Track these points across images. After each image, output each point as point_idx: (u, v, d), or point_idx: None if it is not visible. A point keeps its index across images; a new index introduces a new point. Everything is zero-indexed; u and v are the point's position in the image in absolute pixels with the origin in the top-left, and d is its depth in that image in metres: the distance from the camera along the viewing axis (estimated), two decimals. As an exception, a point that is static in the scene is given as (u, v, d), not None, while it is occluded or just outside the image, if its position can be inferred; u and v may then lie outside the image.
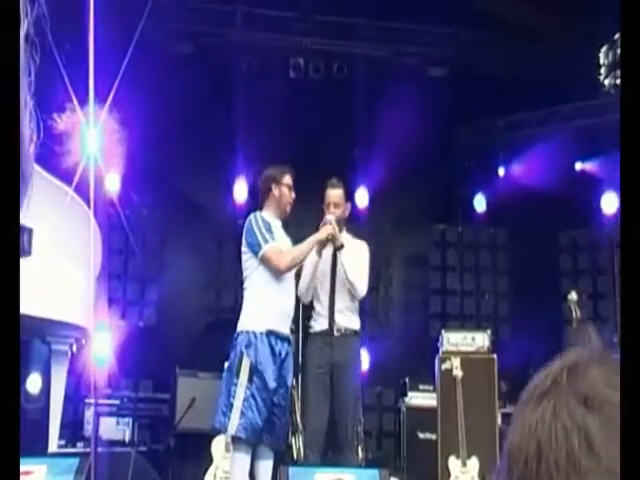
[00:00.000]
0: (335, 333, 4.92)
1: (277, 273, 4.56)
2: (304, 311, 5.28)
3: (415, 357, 7.49)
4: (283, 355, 4.54)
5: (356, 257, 5.04)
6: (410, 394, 7.00)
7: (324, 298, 4.99)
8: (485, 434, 6.16)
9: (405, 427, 6.90)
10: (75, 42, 5.47)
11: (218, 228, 8.58)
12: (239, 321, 4.57)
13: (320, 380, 4.92)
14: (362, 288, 5.00)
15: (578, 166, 9.07)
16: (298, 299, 4.93)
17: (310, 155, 8.01)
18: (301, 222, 5.07)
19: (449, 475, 5.91)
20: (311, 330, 5.04)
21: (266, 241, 4.55)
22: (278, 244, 4.59)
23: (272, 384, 4.42)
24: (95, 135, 6.05)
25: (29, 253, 3.69)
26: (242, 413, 4.35)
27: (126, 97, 6.06)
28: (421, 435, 6.79)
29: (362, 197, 8.66)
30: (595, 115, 8.77)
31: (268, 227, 4.61)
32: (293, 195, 4.81)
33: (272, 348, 4.48)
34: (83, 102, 5.71)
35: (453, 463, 5.92)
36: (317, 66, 8.65)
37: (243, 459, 4.39)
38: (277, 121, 8.06)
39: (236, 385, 4.40)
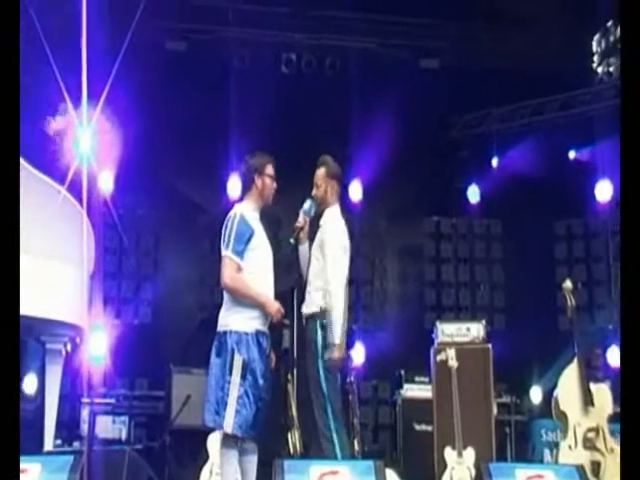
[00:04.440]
0: (303, 322, 4.78)
1: (221, 282, 4.55)
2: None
3: (410, 349, 7.51)
4: (267, 351, 4.55)
5: (318, 236, 4.85)
6: (406, 386, 7.00)
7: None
8: (481, 424, 6.18)
9: (401, 419, 6.90)
10: (68, 42, 5.48)
11: (212, 225, 8.57)
12: (221, 320, 4.51)
13: (300, 372, 4.84)
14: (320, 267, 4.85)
15: (572, 155, 9.09)
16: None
17: (303, 149, 8.00)
18: (293, 216, 5.04)
19: (445, 466, 5.92)
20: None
21: (235, 251, 4.51)
22: (239, 262, 4.56)
23: (263, 381, 4.43)
24: (88, 135, 6.08)
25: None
26: (237, 411, 4.36)
27: (119, 96, 6.08)
28: (417, 427, 6.80)
29: (356, 190, 8.68)
30: (588, 103, 8.78)
31: (245, 232, 4.55)
32: (275, 185, 4.68)
33: (261, 345, 4.50)
34: (76, 102, 5.73)
35: (449, 454, 5.94)
36: (309, 60, 8.67)
37: (233, 456, 4.40)
38: (270, 116, 8.07)
39: (229, 383, 4.39)
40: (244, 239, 4.51)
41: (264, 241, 4.64)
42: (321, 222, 4.92)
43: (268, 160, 4.71)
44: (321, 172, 4.91)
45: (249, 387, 4.37)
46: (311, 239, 4.91)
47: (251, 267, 4.54)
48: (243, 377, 4.37)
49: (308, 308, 4.82)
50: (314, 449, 4.72)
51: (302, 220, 4.81)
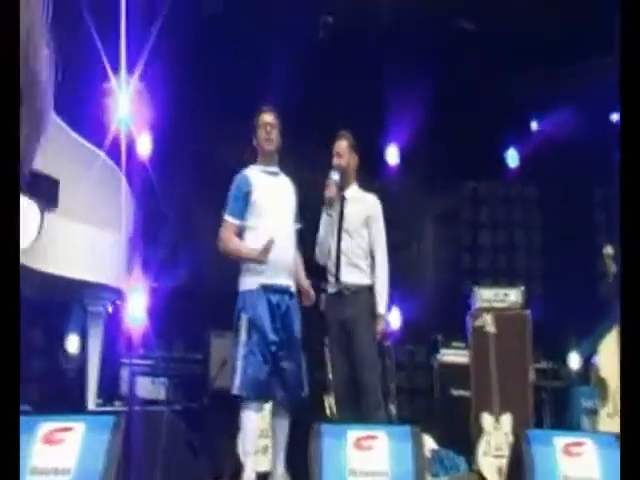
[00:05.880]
0: (344, 291, 4.85)
1: (218, 246, 4.51)
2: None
3: (447, 314, 7.49)
4: (283, 308, 4.42)
5: (359, 210, 4.95)
6: (442, 351, 7.01)
7: (334, 257, 4.93)
8: (518, 390, 6.17)
9: (438, 384, 6.92)
10: (106, 6, 5.47)
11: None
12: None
13: (337, 341, 4.88)
14: (362, 239, 4.91)
15: (613, 118, 8.94)
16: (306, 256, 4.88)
17: (339, 113, 7.95)
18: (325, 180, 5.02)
19: (482, 431, 5.94)
20: (328, 292, 4.98)
21: (231, 212, 4.48)
22: (237, 223, 4.49)
23: (272, 337, 4.33)
24: (126, 98, 6.09)
25: (55, 205, 3.71)
26: (243, 371, 4.30)
27: (157, 61, 6.07)
28: (454, 392, 6.80)
29: (393, 154, 8.64)
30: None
31: (242, 190, 4.49)
32: (272, 132, 4.61)
33: (269, 301, 4.42)
34: (114, 66, 5.74)
35: (486, 419, 5.95)
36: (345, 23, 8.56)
37: (250, 418, 4.33)
38: (306, 80, 8.01)
39: (237, 345, 4.36)
40: (241, 197, 4.45)
41: (272, 198, 4.54)
42: (349, 195, 4.97)
43: (261, 109, 4.65)
44: (344, 144, 5.00)
45: (255, 345, 4.30)
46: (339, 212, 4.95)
47: (256, 225, 4.47)
48: (249, 335, 4.30)
49: (361, 279, 4.85)
50: (342, 416, 4.79)
51: (334, 190, 4.82)
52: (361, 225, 4.91)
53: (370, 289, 4.88)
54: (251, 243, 4.48)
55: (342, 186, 4.93)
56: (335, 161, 4.94)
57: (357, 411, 4.74)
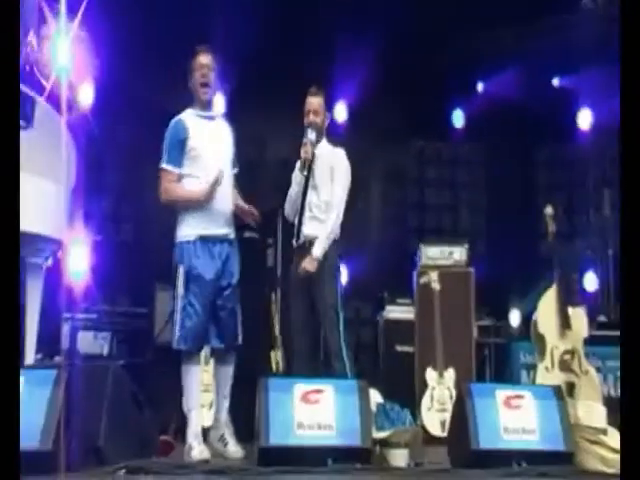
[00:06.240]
0: (306, 245, 4.82)
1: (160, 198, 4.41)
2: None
3: (393, 271, 7.53)
4: (224, 256, 4.40)
5: (327, 164, 4.91)
6: (388, 307, 7.05)
7: (299, 211, 4.90)
8: (461, 346, 6.28)
9: (383, 340, 6.97)
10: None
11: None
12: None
13: (297, 294, 4.88)
14: (326, 193, 4.86)
15: (556, 82, 9.02)
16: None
17: (288, 68, 7.84)
18: (282, 135, 4.98)
19: (426, 386, 6.03)
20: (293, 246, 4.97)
21: (169, 160, 4.38)
22: (176, 171, 4.39)
23: (211, 287, 4.32)
24: (66, 45, 5.88)
25: (32, 124, 3.54)
26: (181, 324, 4.28)
27: (98, 8, 5.86)
28: (399, 347, 6.86)
29: (341, 111, 8.60)
30: (573, 29, 8.65)
31: (178, 136, 4.39)
32: (208, 74, 4.46)
33: (210, 251, 4.37)
34: (55, 11, 5.53)
35: (430, 374, 6.05)
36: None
37: (191, 371, 4.34)
38: (254, 31, 7.85)
39: (175, 298, 4.33)
40: (177, 144, 4.34)
41: (209, 143, 4.43)
42: (319, 152, 4.92)
43: (197, 52, 4.50)
44: (318, 100, 4.90)
45: (193, 297, 4.25)
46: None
47: (193, 171, 4.37)
48: (186, 288, 4.25)
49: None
50: (298, 369, 4.79)
51: (310, 150, 4.77)
52: (328, 179, 4.87)
53: (332, 243, 4.85)
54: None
55: (315, 143, 4.88)
56: (311, 118, 4.86)
57: (313, 364, 4.75)
